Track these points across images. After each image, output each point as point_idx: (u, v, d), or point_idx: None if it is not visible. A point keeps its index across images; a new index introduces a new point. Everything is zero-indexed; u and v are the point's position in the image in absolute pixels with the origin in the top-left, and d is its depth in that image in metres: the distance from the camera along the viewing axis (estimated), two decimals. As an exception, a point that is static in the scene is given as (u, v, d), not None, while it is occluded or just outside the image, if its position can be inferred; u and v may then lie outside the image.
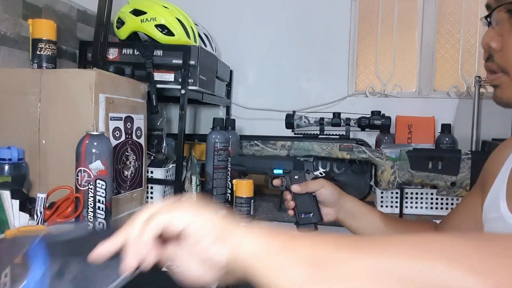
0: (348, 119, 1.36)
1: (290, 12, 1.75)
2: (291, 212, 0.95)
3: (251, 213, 1.18)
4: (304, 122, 1.39)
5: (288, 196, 0.95)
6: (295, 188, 0.94)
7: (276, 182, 0.98)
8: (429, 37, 1.70)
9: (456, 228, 0.83)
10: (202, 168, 1.23)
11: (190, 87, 1.21)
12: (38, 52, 1.05)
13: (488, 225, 0.68)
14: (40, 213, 0.79)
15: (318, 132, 1.37)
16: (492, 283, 0.32)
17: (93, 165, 0.78)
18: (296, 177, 0.96)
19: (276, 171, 0.97)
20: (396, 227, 0.94)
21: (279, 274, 0.38)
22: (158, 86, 1.22)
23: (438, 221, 0.93)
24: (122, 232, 0.43)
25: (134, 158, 1.09)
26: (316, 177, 0.98)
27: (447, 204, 1.20)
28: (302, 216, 0.94)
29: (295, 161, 0.98)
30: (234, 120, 1.31)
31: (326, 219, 0.94)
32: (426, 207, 1.21)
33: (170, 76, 1.23)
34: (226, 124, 1.27)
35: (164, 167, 1.23)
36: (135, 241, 0.42)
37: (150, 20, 1.26)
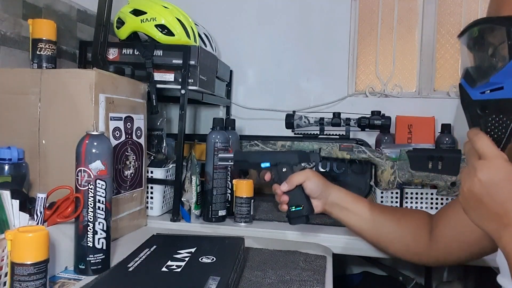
0: (348, 119, 1.36)
1: (290, 12, 1.75)
2: (284, 207, 0.95)
3: (251, 213, 1.18)
4: (304, 122, 1.39)
5: (278, 190, 0.95)
6: (283, 187, 0.94)
7: (267, 176, 0.99)
8: (429, 37, 1.70)
9: (453, 220, 0.83)
10: (202, 168, 1.23)
11: (190, 87, 1.21)
12: (38, 52, 1.05)
13: None
14: (40, 213, 0.79)
15: (318, 132, 1.37)
16: None
17: (93, 165, 0.78)
18: (284, 170, 0.96)
19: (263, 165, 0.98)
20: (386, 217, 0.94)
21: None
22: (158, 86, 1.22)
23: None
24: None
25: (134, 158, 1.09)
26: (303, 168, 0.98)
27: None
28: (293, 209, 0.94)
29: (300, 153, 0.98)
30: (234, 120, 1.30)
31: (315, 210, 0.96)
32: (426, 207, 1.21)
33: (170, 76, 1.23)
34: (226, 124, 1.26)
35: (164, 167, 1.23)
36: None
37: (150, 20, 1.25)
